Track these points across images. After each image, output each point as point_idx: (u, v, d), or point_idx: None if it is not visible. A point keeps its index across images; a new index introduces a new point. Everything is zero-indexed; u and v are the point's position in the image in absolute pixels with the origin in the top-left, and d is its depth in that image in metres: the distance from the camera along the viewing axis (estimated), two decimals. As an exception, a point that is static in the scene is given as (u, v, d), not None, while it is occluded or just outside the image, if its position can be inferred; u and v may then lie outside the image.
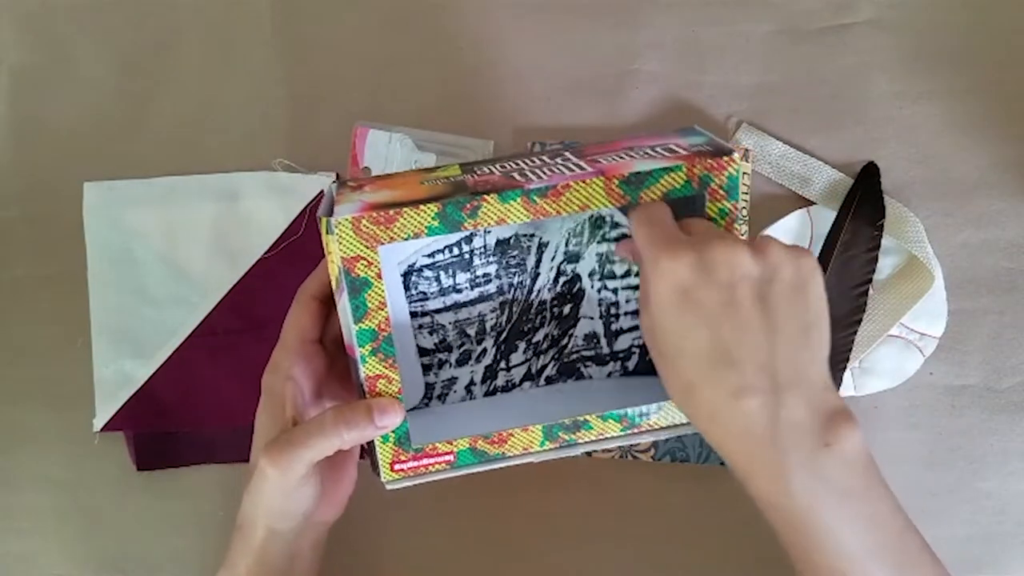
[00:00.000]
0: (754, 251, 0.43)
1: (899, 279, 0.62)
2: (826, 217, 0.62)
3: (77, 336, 0.63)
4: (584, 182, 0.46)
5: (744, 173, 0.61)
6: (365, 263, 0.46)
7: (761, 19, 0.63)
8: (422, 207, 0.46)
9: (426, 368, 0.56)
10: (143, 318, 0.63)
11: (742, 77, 0.63)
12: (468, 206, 0.46)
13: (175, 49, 0.64)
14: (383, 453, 0.49)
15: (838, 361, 0.61)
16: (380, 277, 0.47)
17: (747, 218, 0.61)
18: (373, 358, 0.48)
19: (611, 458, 0.62)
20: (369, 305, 0.47)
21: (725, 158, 0.46)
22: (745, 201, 0.61)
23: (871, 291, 0.62)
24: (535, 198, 0.46)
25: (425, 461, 0.50)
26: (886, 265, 0.62)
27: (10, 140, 0.64)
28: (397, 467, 0.50)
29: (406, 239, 0.46)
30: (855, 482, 0.43)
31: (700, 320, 0.42)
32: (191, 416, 0.63)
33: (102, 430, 0.62)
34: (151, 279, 0.63)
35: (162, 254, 0.63)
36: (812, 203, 0.62)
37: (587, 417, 0.50)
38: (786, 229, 0.62)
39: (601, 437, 0.50)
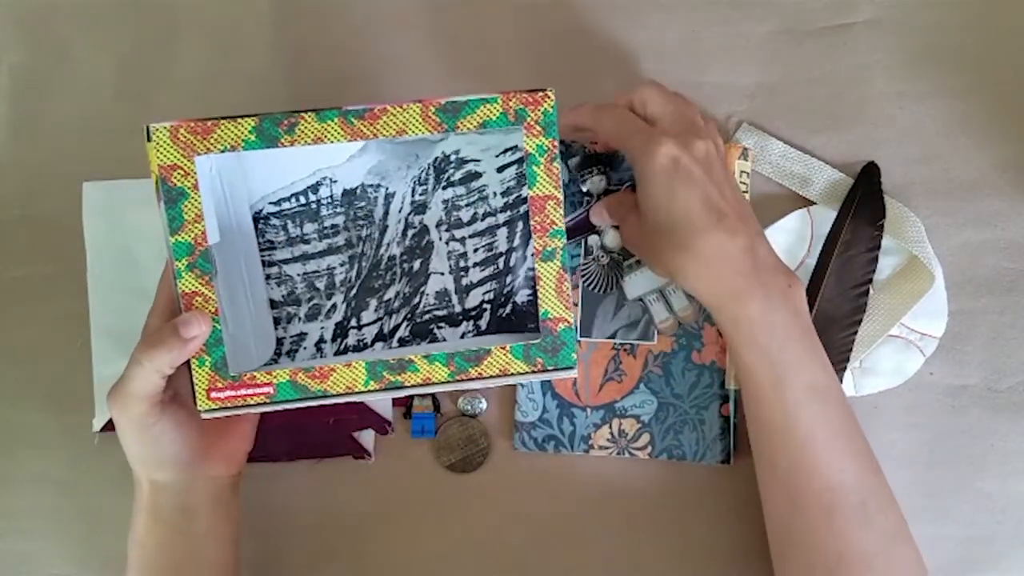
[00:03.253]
0: (707, 136, 0.53)
1: (899, 279, 0.62)
2: (826, 217, 0.62)
3: (77, 336, 0.63)
4: (401, 107, 0.48)
5: (744, 172, 0.61)
6: (182, 172, 0.48)
7: (761, 19, 0.63)
8: (240, 120, 0.48)
9: (275, 321, 0.55)
10: (143, 318, 0.62)
11: (742, 77, 0.63)
12: (285, 122, 0.48)
13: (175, 49, 0.64)
14: (199, 378, 0.49)
15: (838, 361, 0.61)
16: (197, 188, 0.48)
17: (747, 218, 0.61)
18: (189, 273, 0.48)
19: (608, 455, 0.62)
20: (185, 217, 0.48)
21: (540, 94, 0.49)
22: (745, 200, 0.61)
23: (871, 291, 0.62)
24: (352, 119, 0.48)
25: (243, 391, 0.49)
26: (886, 265, 0.62)
27: (10, 140, 0.64)
28: (214, 395, 0.50)
29: (223, 151, 0.48)
30: (808, 323, 0.54)
31: (691, 186, 0.52)
32: (191, 416, 0.63)
33: (102, 430, 0.62)
34: (151, 279, 0.62)
35: (162, 254, 0.63)
36: (812, 203, 0.62)
37: (412, 357, 0.50)
38: (786, 229, 0.62)
39: (428, 381, 0.50)
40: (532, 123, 0.49)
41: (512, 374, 0.51)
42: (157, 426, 0.50)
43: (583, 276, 0.60)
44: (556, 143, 0.50)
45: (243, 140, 0.48)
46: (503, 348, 0.50)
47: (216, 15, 0.64)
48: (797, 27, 0.63)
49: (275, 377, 0.49)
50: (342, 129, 0.48)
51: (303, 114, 0.48)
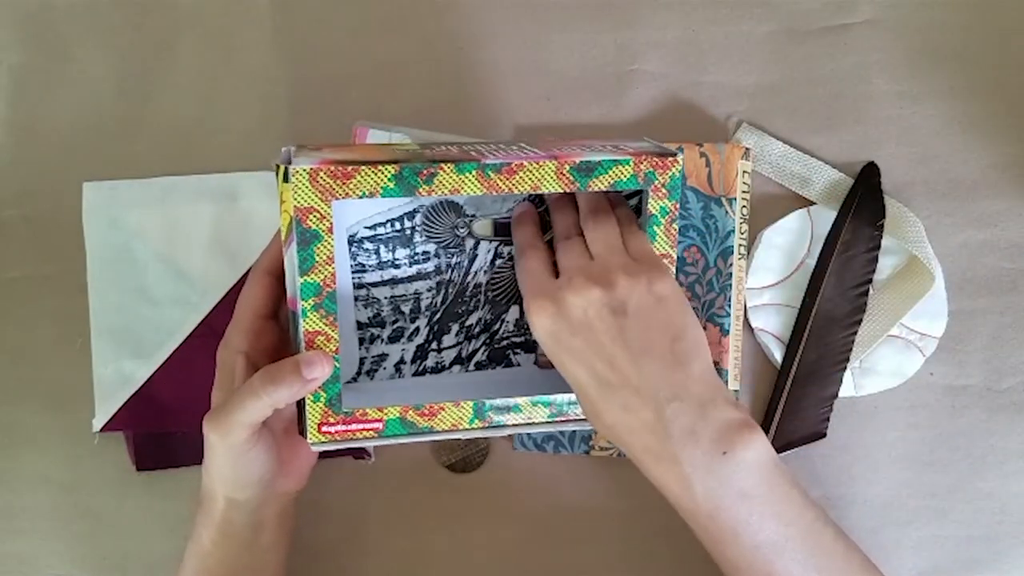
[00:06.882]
0: (604, 285, 0.48)
1: (899, 279, 0.62)
2: (826, 217, 0.62)
3: (77, 336, 0.63)
4: (538, 163, 0.49)
5: (745, 172, 0.61)
6: (318, 216, 0.47)
7: (761, 19, 0.63)
8: (380, 167, 0.47)
9: (358, 342, 0.56)
10: (143, 318, 0.63)
11: (742, 77, 0.63)
12: (425, 172, 0.48)
13: (175, 49, 0.64)
14: (312, 413, 0.49)
15: (838, 361, 0.61)
16: (331, 232, 0.48)
17: (747, 217, 0.61)
18: (315, 313, 0.48)
19: (608, 456, 0.62)
20: (317, 259, 0.48)
21: (669, 159, 0.51)
22: (745, 201, 0.61)
23: (871, 291, 0.62)
24: (490, 173, 0.49)
25: (353, 426, 0.50)
26: (886, 265, 0.62)
27: (10, 140, 0.64)
28: (324, 429, 0.50)
29: (361, 197, 0.47)
30: (756, 485, 0.47)
31: (574, 359, 0.48)
32: (191, 416, 0.62)
33: (102, 430, 0.62)
34: (151, 279, 0.63)
35: (162, 254, 0.63)
36: (812, 203, 0.62)
37: (518, 400, 0.51)
38: (786, 229, 0.62)
39: (528, 421, 0.52)
40: (659, 186, 0.51)
41: None
42: (252, 452, 0.50)
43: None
44: (678, 205, 0.52)
45: (382, 187, 0.48)
46: None
47: (216, 15, 0.64)
48: (797, 27, 0.63)
49: (385, 413, 0.50)
50: (479, 182, 0.49)
51: (442, 165, 0.48)
